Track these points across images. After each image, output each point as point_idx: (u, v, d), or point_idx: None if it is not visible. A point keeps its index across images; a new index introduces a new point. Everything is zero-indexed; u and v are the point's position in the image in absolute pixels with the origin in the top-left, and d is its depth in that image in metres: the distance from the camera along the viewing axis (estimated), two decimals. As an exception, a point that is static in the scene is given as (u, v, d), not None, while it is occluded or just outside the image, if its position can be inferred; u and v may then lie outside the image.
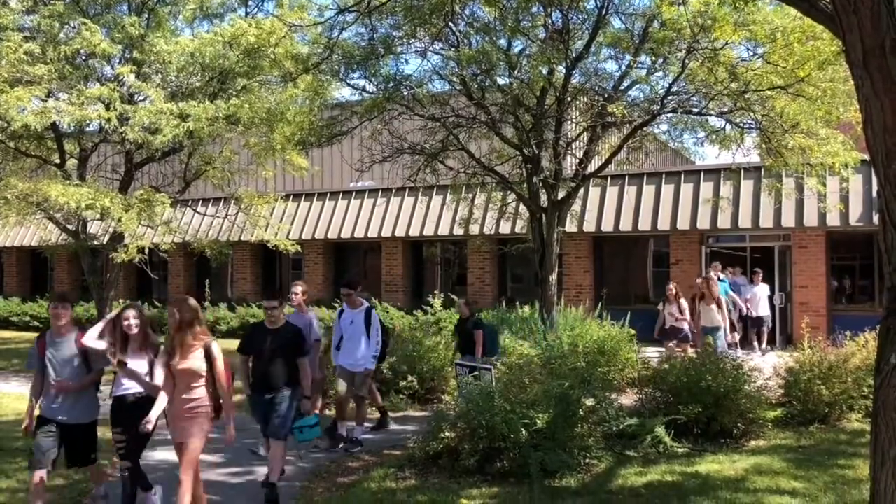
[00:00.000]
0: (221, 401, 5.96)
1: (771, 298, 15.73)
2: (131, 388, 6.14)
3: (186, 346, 5.84)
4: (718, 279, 15.44)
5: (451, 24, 11.99)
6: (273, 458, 6.89)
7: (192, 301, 6.06)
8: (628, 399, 9.74)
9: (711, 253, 17.39)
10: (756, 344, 15.23)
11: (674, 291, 12.21)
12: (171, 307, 6.02)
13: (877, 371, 3.91)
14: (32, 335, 20.56)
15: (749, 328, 15.37)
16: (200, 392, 5.85)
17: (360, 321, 8.40)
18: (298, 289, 8.84)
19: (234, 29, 14.73)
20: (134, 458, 6.26)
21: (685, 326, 12.05)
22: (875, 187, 4.18)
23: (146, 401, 5.98)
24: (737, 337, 13.22)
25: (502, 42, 12.52)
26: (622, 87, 12.49)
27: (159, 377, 5.91)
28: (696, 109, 12.09)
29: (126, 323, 6.07)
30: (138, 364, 6.07)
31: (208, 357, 5.88)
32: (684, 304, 12.09)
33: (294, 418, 6.91)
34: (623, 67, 12.40)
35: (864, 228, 15.31)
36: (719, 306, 11.84)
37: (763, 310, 15.41)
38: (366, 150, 13.58)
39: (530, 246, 13.50)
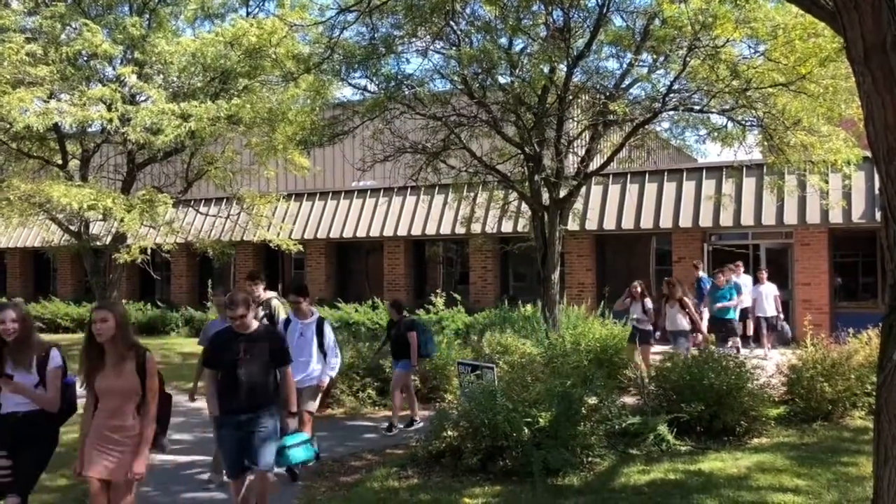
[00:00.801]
0: (145, 425, 4.82)
1: (778, 298, 14.88)
2: (20, 404, 5.09)
3: (116, 360, 4.80)
4: (701, 277, 15.19)
5: (451, 22, 11.99)
6: (260, 494, 5.80)
7: (121, 305, 5.43)
8: (631, 397, 9.73)
9: (714, 251, 17.38)
10: (766, 344, 14.51)
11: (639, 290, 11.71)
12: (99, 312, 4.81)
13: (880, 368, 3.91)
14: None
15: (759, 328, 14.68)
16: (131, 416, 4.81)
17: (311, 333, 7.38)
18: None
19: (236, 29, 14.75)
20: (24, 490, 5.12)
21: (650, 328, 11.52)
22: (877, 184, 4.17)
23: (40, 418, 5.10)
24: (718, 338, 12.72)
25: (503, 41, 12.51)
26: (623, 85, 12.48)
27: (54, 388, 5.08)
28: (697, 107, 12.07)
29: (2, 327, 5.01)
30: (24, 375, 5.05)
31: (141, 372, 4.83)
32: (649, 304, 11.60)
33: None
34: (624, 65, 12.39)
35: (866, 225, 15.28)
36: (683, 308, 11.25)
37: (770, 310, 14.66)
38: (367, 150, 13.58)
39: (532, 245, 13.49)
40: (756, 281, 15.11)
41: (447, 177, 14.36)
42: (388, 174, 15.76)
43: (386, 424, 9.51)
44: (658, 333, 11.73)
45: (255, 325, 5.79)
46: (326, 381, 7.47)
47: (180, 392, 12.41)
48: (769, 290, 14.71)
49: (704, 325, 12.58)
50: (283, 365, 5.81)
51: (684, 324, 11.28)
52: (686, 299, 11.41)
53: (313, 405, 7.47)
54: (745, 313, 14.53)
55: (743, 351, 13.05)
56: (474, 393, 7.64)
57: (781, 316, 14.94)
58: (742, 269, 15.08)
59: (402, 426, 9.42)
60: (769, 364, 10.07)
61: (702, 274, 15.48)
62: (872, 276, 16.47)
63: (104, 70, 16.08)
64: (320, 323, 7.47)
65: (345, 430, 9.49)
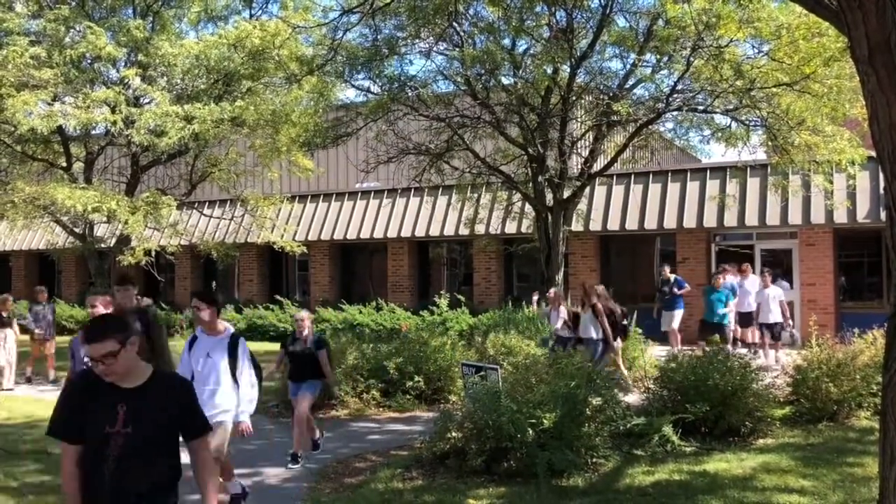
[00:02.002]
0: None
1: (784, 303, 13.65)
2: None
3: None
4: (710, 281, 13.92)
5: (454, 24, 12.00)
6: None
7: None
8: (635, 398, 9.71)
9: (719, 251, 17.35)
10: (768, 352, 13.31)
11: (552, 295, 11.36)
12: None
13: (885, 368, 3.89)
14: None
15: (763, 334, 13.58)
16: None
17: (222, 354, 5.80)
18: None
19: (239, 31, 14.79)
20: None
21: (571, 336, 11.13)
22: (882, 184, 4.16)
23: None
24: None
25: (506, 42, 12.52)
26: (627, 86, 12.48)
27: None
28: (701, 107, 12.07)
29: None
30: None
31: None
32: (563, 311, 11.22)
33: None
34: (628, 66, 12.39)
35: (871, 225, 15.23)
36: (597, 315, 10.66)
37: (774, 315, 13.36)
38: (371, 151, 13.59)
39: (536, 245, 13.49)
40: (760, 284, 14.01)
41: (451, 178, 14.37)
42: (392, 175, 15.78)
43: (312, 445, 8.43)
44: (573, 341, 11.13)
45: (142, 370, 3.40)
46: (245, 421, 5.93)
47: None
48: (774, 294, 13.53)
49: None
50: (196, 436, 3.55)
51: (592, 332, 10.73)
52: (599, 306, 10.76)
53: (223, 452, 5.92)
54: (748, 318, 13.70)
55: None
56: (478, 394, 7.63)
57: (790, 323, 13.91)
58: (750, 271, 14.18)
59: (301, 452, 8.01)
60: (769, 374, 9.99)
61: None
62: (878, 275, 16.42)
63: (108, 72, 16.14)
64: (234, 341, 5.87)
65: (349, 431, 9.49)
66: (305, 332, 8.14)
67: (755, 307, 13.59)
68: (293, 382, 8.22)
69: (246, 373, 5.87)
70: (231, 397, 5.82)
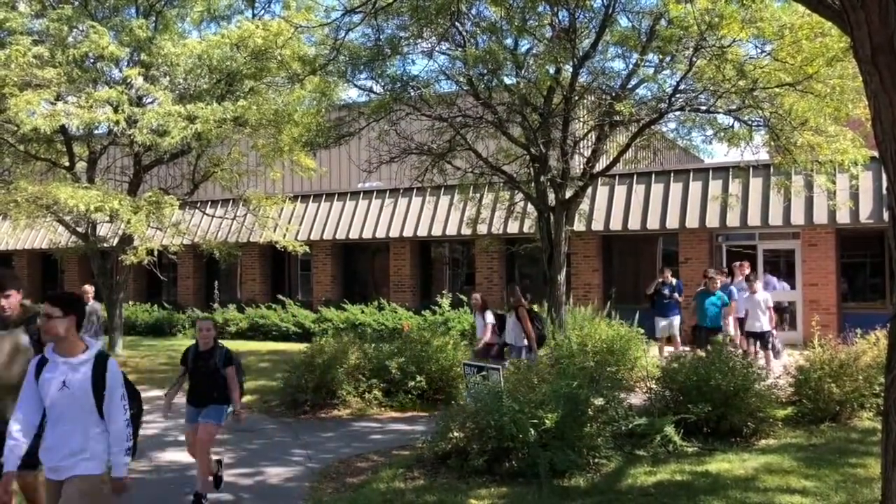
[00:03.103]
0: None
1: (772, 310, 12.45)
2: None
3: None
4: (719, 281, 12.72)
5: (457, 23, 11.99)
6: None
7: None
8: (637, 398, 9.71)
9: (724, 251, 17.33)
10: (761, 361, 11.49)
11: (479, 302, 10.83)
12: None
13: (888, 369, 3.89)
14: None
15: (749, 344, 12.29)
16: None
17: (84, 383, 4.21)
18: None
19: (242, 31, 14.81)
20: None
21: (495, 340, 10.74)
22: (885, 184, 4.15)
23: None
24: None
25: (509, 41, 12.51)
26: (629, 86, 12.45)
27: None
28: (703, 107, 12.05)
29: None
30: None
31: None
32: (490, 317, 10.72)
33: None
34: (630, 66, 12.35)
35: (874, 226, 15.22)
36: (520, 320, 10.09)
37: (763, 324, 12.15)
38: (373, 151, 13.59)
39: (538, 245, 13.47)
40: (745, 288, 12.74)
41: (453, 178, 14.36)
42: (394, 175, 15.77)
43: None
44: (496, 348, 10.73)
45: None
46: (121, 475, 4.29)
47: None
48: (762, 300, 12.28)
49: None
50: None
51: (515, 337, 10.29)
52: (524, 309, 10.29)
53: None
54: (742, 324, 12.70)
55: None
56: (480, 394, 7.64)
57: (775, 333, 12.61)
58: (748, 270, 13.32)
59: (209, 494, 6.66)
60: (775, 364, 9.99)
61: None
62: (880, 276, 16.41)
63: (111, 72, 16.17)
64: (101, 363, 4.25)
65: (351, 430, 9.49)
66: (210, 344, 6.71)
67: (743, 313, 12.55)
68: (192, 407, 6.77)
69: (118, 407, 4.22)
70: (99, 441, 4.23)
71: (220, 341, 6.85)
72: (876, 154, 4.19)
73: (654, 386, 9.04)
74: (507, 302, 10.42)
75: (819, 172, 12.57)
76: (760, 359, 11.75)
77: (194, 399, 6.76)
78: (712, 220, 16.57)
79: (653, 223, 17.13)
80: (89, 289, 12.73)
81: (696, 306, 12.27)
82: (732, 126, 12.50)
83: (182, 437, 9.17)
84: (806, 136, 11.42)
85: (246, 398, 11.41)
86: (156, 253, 15.79)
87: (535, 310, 11.31)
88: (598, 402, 7.67)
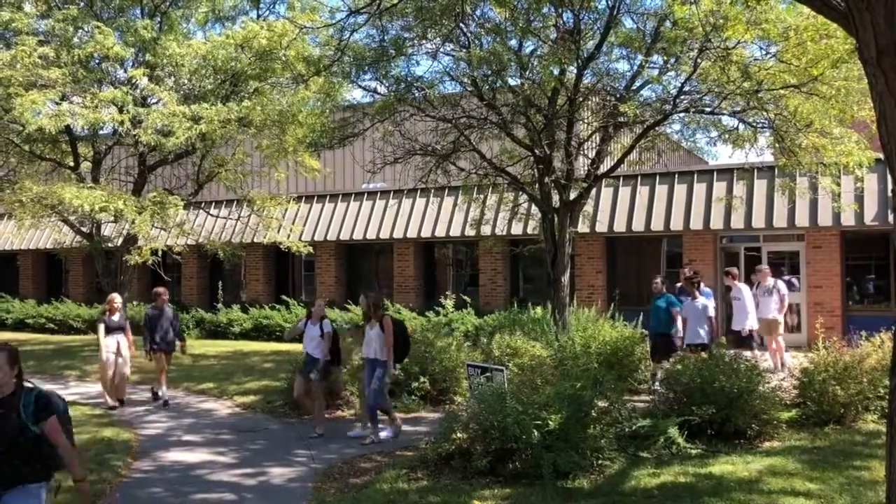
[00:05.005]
0: None
1: (713, 319, 10.89)
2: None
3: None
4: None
5: (461, 24, 11.99)
6: None
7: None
8: (641, 400, 9.70)
9: (726, 253, 17.30)
10: None
11: (315, 308, 9.66)
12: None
13: (892, 372, 3.88)
14: (48, 337, 20.74)
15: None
16: None
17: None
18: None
19: (246, 32, 14.83)
20: None
21: (318, 355, 9.42)
22: (890, 186, 4.14)
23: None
24: None
25: (513, 43, 12.51)
26: (634, 87, 12.44)
27: None
28: (708, 109, 12.03)
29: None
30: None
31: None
32: (328, 326, 9.57)
33: None
34: (635, 67, 12.36)
35: (879, 228, 15.18)
36: (384, 330, 8.88)
37: (700, 335, 10.58)
38: (377, 152, 13.60)
39: (542, 247, 13.47)
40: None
41: (457, 179, 14.36)
42: (398, 176, 15.78)
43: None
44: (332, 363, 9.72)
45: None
46: None
47: (190, 393, 12.48)
48: (701, 306, 10.83)
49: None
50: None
51: (376, 351, 8.91)
52: (388, 320, 9.02)
53: None
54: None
55: None
56: (484, 395, 7.63)
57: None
58: (734, 277, 12.51)
59: None
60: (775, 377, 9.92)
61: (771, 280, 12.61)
62: (885, 278, 16.36)
63: (116, 72, 16.21)
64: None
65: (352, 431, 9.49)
66: (10, 388, 4.13)
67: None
68: None
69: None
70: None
71: (29, 381, 4.24)
72: (881, 156, 4.18)
73: (658, 387, 9.03)
74: (369, 311, 9.05)
75: (824, 174, 12.54)
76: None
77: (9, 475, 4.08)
78: (716, 222, 16.55)
79: (657, 225, 17.10)
80: (162, 291, 11.90)
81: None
82: (737, 128, 12.49)
83: (186, 438, 9.23)
84: (811, 138, 11.40)
85: (250, 398, 11.54)
86: (160, 253, 15.82)
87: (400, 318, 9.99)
88: (602, 403, 7.67)
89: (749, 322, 11.89)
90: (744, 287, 12.36)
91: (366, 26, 11.16)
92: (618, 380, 9.44)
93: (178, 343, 11.61)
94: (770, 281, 12.66)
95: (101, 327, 11.21)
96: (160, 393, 11.45)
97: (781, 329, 12.44)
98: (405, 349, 9.40)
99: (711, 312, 10.80)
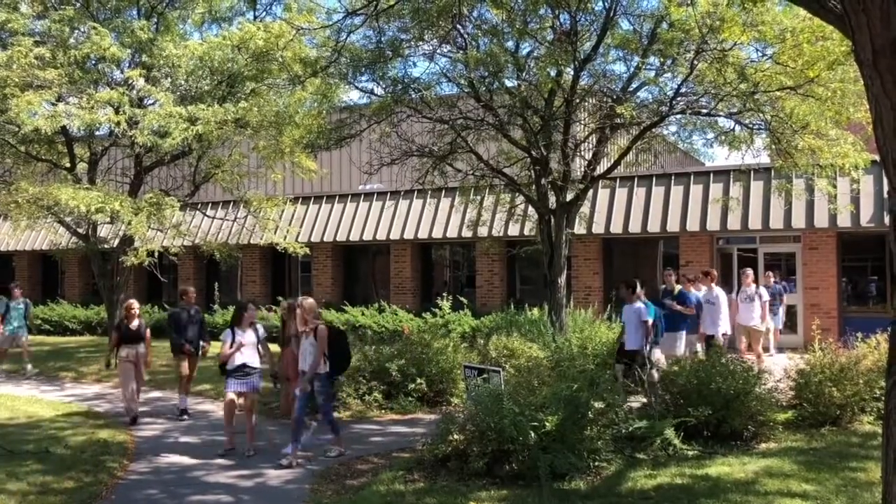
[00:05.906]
0: None
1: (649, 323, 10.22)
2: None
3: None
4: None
5: (458, 26, 12.00)
6: None
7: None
8: (638, 401, 9.70)
9: (722, 255, 17.32)
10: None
11: (246, 315, 8.88)
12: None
13: (888, 373, 3.88)
14: (43, 338, 20.68)
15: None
16: None
17: None
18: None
19: (243, 33, 14.80)
20: None
21: (257, 364, 8.87)
22: (886, 188, 4.15)
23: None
24: None
25: (510, 44, 12.51)
26: (631, 89, 12.46)
27: None
28: (705, 110, 12.05)
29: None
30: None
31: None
32: (262, 331, 8.97)
33: None
34: (631, 69, 12.37)
35: (875, 229, 15.21)
36: (318, 340, 8.18)
37: (635, 340, 10.17)
38: (374, 153, 13.59)
39: (539, 248, 13.48)
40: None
41: (454, 180, 14.36)
42: (395, 177, 15.77)
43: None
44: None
45: None
46: None
47: (191, 395, 12.42)
48: (635, 311, 10.36)
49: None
50: None
51: (315, 363, 8.19)
52: (322, 328, 8.31)
53: None
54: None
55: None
56: (481, 396, 7.63)
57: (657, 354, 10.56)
58: (713, 279, 12.25)
59: None
60: (776, 367, 9.95)
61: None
62: (881, 280, 16.39)
63: (112, 73, 16.16)
64: None
65: (351, 433, 9.48)
66: None
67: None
68: None
69: None
70: None
71: None
72: (877, 158, 4.18)
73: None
74: (300, 319, 8.42)
75: (820, 176, 12.56)
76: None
77: None
78: (713, 224, 16.57)
79: (654, 226, 17.12)
80: (191, 290, 11.27)
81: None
82: (733, 129, 12.51)
83: (183, 440, 9.20)
84: (807, 140, 11.42)
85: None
86: (156, 254, 15.77)
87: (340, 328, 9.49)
88: (599, 405, 7.67)
89: (722, 327, 11.88)
90: (720, 291, 12.26)
91: (363, 28, 11.17)
92: (614, 381, 9.44)
93: (202, 345, 10.83)
94: (752, 287, 12.73)
95: (115, 336, 10.46)
96: (183, 405, 10.65)
97: (773, 336, 12.44)
98: (345, 361, 8.74)
99: (647, 317, 10.23)
